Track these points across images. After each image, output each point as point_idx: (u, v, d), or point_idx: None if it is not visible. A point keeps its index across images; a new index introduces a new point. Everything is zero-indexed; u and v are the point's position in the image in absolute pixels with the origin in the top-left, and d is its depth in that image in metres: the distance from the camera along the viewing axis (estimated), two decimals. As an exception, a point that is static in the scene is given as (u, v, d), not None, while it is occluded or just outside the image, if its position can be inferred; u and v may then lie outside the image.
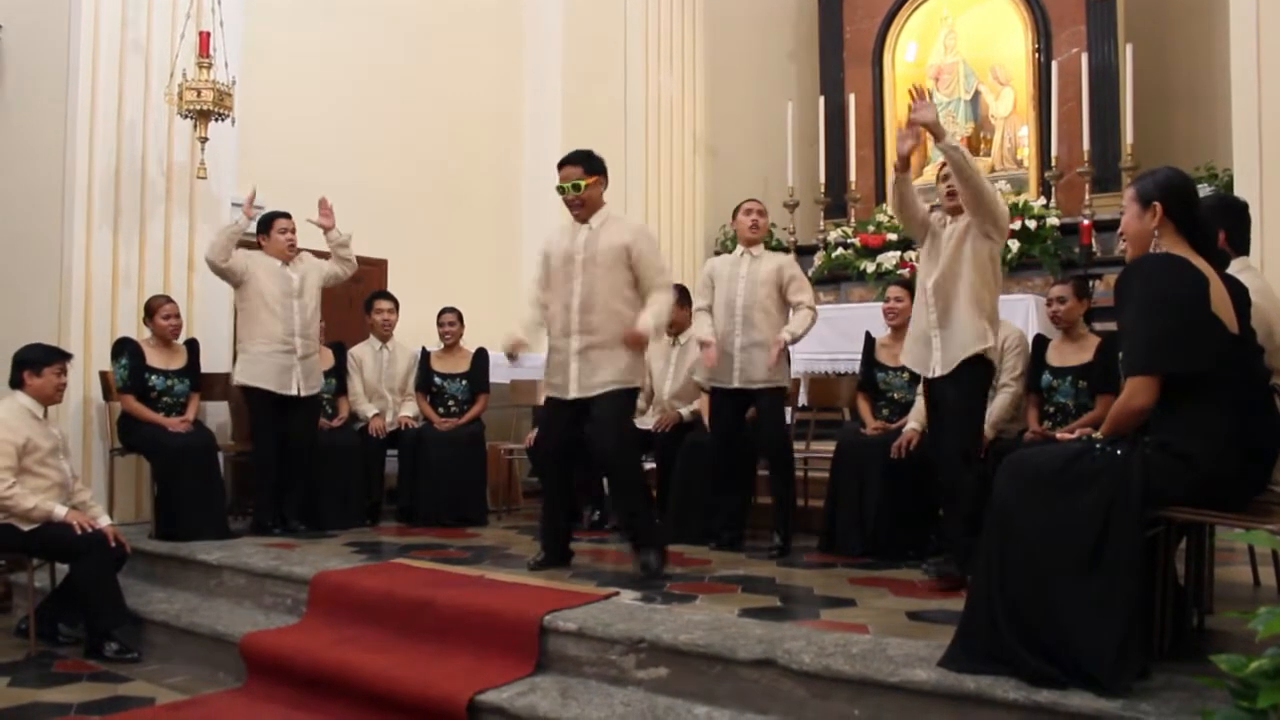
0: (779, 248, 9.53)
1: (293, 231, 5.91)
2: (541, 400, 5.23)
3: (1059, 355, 4.89)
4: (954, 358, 4.23)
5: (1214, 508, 2.81)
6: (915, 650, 3.13)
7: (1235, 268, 3.30)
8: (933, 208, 4.53)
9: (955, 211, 4.33)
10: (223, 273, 5.69)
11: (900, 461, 4.99)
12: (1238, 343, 2.85)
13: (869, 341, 5.62)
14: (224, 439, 6.28)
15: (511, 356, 4.76)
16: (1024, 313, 6.68)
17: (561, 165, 4.73)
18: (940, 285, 4.30)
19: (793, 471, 5.39)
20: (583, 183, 4.63)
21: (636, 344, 4.63)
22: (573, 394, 4.61)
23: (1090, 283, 7.41)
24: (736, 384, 5.23)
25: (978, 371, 4.25)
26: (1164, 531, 2.87)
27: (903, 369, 5.35)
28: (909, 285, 5.67)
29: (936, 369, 4.31)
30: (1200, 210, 2.99)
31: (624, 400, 4.65)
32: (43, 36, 6.05)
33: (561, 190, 4.68)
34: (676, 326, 6.12)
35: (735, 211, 5.49)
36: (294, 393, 5.74)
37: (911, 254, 8.79)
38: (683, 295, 5.89)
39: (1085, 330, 4.96)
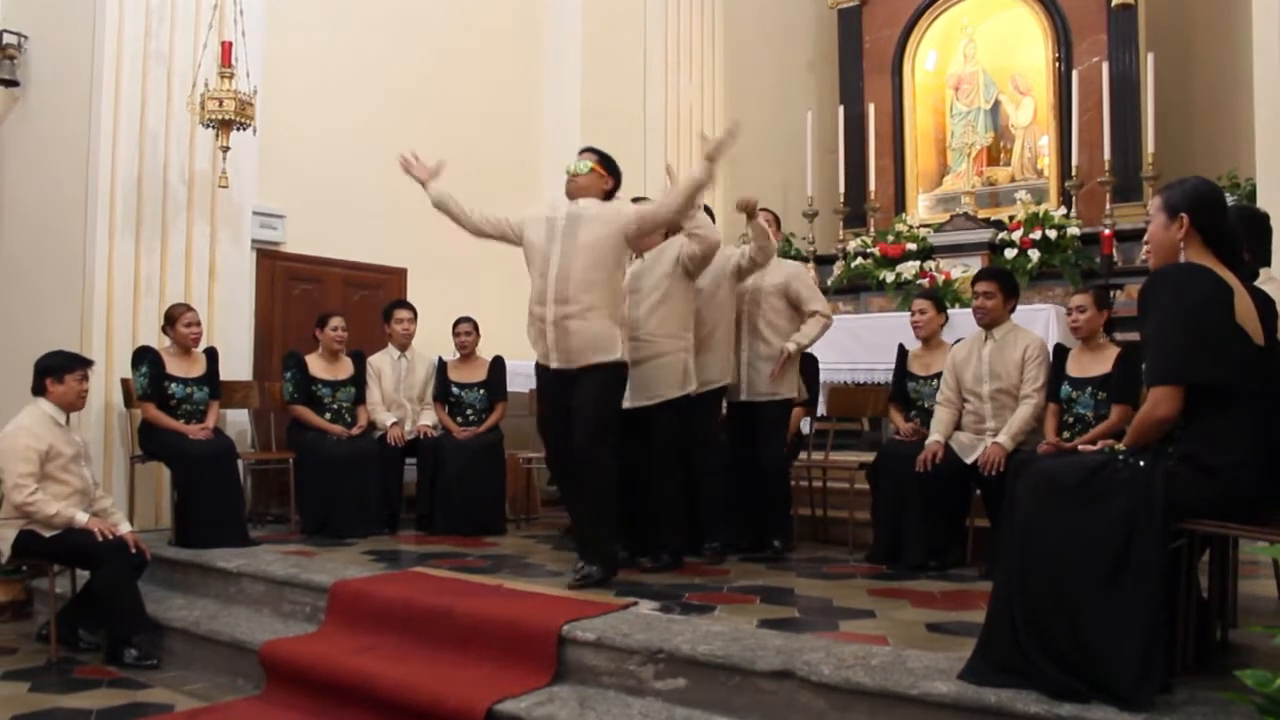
0: (798, 257, 9.53)
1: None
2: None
3: (1078, 366, 4.86)
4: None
5: (1238, 520, 2.78)
6: (935, 662, 3.11)
7: (1258, 280, 3.27)
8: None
9: None
10: None
11: (930, 474, 4.94)
12: (1263, 354, 2.82)
13: (902, 353, 5.61)
14: (244, 446, 6.30)
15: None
16: (1044, 322, 6.64)
17: (584, 151, 4.83)
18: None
19: (788, 486, 5.42)
20: (590, 165, 4.68)
21: None
22: (555, 364, 4.56)
23: (1111, 293, 7.37)
24: (743, 397, 5.28)
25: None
26: (1187, 544, 2.85)
27: (934, 378, 5.33)
28: (932, 296, 5.66)
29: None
30: (1228, 222, 2.96)
31: (605, 380, 4.53)
32: (66, 47, 6.10)
33: (568, 169, 4.74)
34: None
35: None
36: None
37: (931, 264, 8.77)
38: None
39: (1105, 340, 4.92)
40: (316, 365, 6.34)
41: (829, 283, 9.38)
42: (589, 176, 4.69)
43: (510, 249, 4.88)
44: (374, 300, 7.47)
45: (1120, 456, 2.85)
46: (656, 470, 4.85)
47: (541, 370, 4.74)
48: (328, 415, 6.27)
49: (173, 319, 5.76)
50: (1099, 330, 4.87)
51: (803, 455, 5.95)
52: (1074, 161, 8.49)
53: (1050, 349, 5.03)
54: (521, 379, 6.86)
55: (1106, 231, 7.86)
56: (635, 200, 5.14)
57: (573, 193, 4.70)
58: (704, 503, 5.13)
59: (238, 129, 5.86)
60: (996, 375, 5.01)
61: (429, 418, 6.53)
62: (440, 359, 6.71)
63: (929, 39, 9.79)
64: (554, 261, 4.55)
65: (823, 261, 9.68)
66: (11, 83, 6.32)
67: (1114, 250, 7.85)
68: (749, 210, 5.00)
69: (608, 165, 4.76)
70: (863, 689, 3.01)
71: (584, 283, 4.50)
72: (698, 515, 5.13)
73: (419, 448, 6.38)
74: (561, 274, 4.52)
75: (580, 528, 4.67)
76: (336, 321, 6.40)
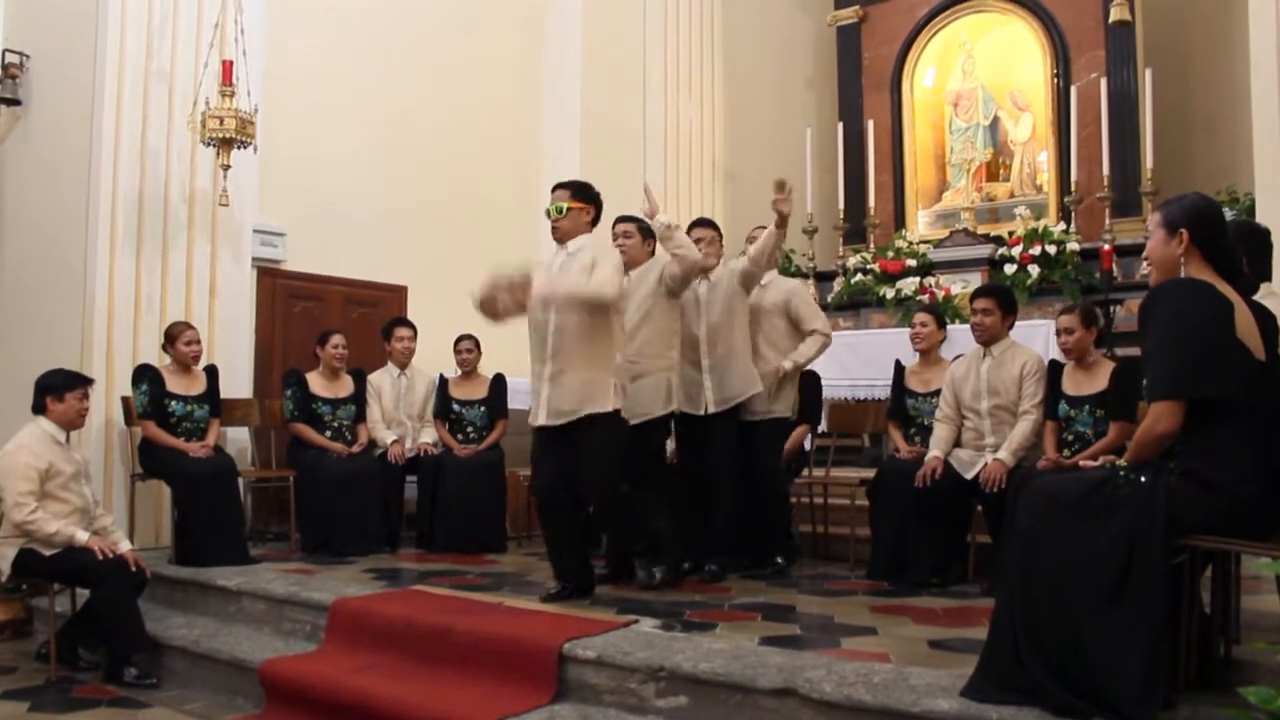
0: (798, 273, 9.54)
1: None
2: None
3: (1074, 384, 4.83)
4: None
5: (1240, 535, 2.78)
6: (937, 680, 3.09)
7: (1259, 294, 3.27)
8: None
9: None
10: None
11: (929, 490, 4.93)
12: (1264, 369, 2.82)
13: (899, 369, 5.60)
14: (244, 464, 6.30)
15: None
16: (1044, 338, 6.64)
17: (555, 189, 4.76)
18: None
19: (787, 506, 5.45)
20: (565, 205, 4.63)
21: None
22: (543, 420, 4.50)
23: (1111, 308, 7.37)
24: (741, 416, 5.23)
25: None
26: (1189, 559, 2.84)
27: (933, 394, 5.32)
28: (934, 311, 5.67)
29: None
30: (1227, 237, 2.97)
31: (609, 432, 4.49)
32: (68, 65, 6.13)
33: (548, 213, 4.70)
34: None
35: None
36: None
37: (931, 280, 8.78)
38: None
39: (1098, 357, 4.90)
40: (317, 383, 6.34)
41: (829, 299, 9.39)
42: (567, 217, 4.63)
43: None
44: (374, 318, 7.47)
45: (1121, 472, 2.85)
46: (651, 487, 4.84)
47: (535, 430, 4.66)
48: (328, 433, 6.27)
49: (173, 337, 5.77)
50: (1090, 348, 4.84)
51: (804, 472, 5.94)
52: (1073, 177, 8.50)
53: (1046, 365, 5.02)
54: (522, 396, 6.84)
55: (1106, 247, 7.86)
56: (619, 220, 5.10)
57: (558, 237, 4.67)
58: (711, 521, 5.12)
59: (238, 147, 5.88)
60: (995, 392, 5.00)
61: (429, 435, 6.53)
62: (441, 376, 6.71)
63: (928, 55, 9.82)
64: (550, 320, 4.49)
65: (822, 278, 9.70)
66: (14, 101, 6.35)
67: (1113, 265, 7.86)
68: (781, 216, 4.92)
69: (583, 195, 4.69)
70: (864, 707, 2.99)
71: (578, 337, 4.45)
72: (705, 533, 5.12)
73: (419, 465, 6.38)
74: (558, 328, 4.47)
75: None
76: (337, 339, 6.41)
